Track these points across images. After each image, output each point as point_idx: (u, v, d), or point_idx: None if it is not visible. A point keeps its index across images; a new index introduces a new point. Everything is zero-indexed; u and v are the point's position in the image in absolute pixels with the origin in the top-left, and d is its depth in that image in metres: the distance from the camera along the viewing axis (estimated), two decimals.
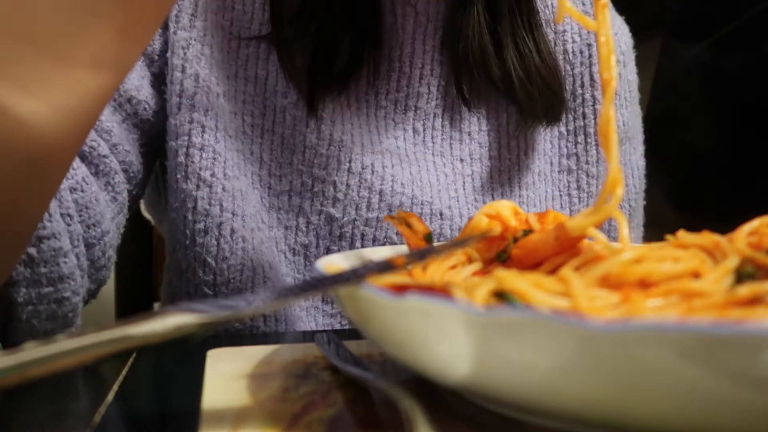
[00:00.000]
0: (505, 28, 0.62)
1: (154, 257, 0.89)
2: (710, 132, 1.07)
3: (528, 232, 0.39)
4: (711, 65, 1.06)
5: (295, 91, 0.60)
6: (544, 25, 0.65)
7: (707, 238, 0.34)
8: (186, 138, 0.57)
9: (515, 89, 0.62)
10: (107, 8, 0.32)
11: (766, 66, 1.00)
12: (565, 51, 0.68)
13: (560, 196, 0.68)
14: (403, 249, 0.45)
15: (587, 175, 0.68)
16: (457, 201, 0.63)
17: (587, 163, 0.68)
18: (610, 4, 0.71)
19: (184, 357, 0.42)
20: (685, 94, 1.10)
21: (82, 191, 0.50)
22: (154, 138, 0.59)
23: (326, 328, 0.61)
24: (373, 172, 0.61)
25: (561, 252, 0.36)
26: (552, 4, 0.68)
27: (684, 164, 1.06)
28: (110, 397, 0.35)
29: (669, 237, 0.36)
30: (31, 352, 0.25)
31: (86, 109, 0.34)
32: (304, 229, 0.61)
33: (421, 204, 0.61)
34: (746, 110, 1.03)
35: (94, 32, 0.32)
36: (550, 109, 0.64)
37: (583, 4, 0.70)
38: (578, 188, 0.68)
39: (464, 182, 0.64)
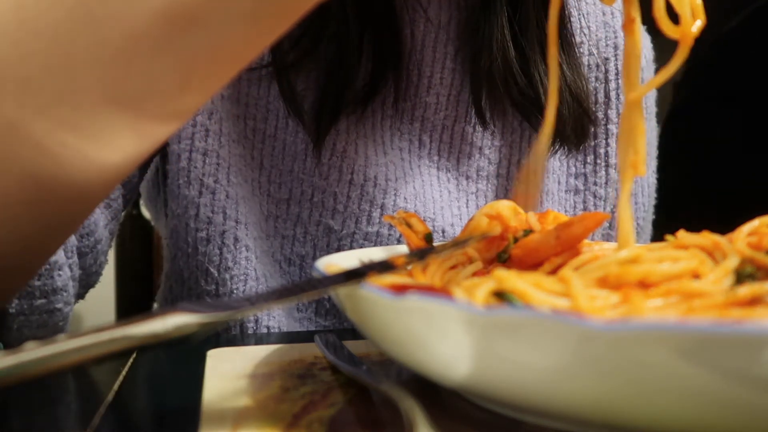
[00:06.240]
0: (532, 41, 0.58)
1: (154, 257, 0.89)
2: (714, 130, 1.07)
3: (528, 232, 0.39)
4: (717, 63, 1.06)
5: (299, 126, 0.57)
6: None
7: (707, 238, 0.34)
8: (189, 141, 0.55)
9: (543, 108, 0.58)
10: (183, 64, 0.31)
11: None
12: (581, 64, 0.64)
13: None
14: (403, 249, 0.45)
15: (594, 197, 0.65)
16: (460, 219, 0.61)
17: (595, 184, 0.65)
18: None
19: (184, 357, 0.42)
20: (689, 92, 1.10)
21: None
22: None
23: None
24: (375, 185, 0.58)
25: (561, 252, 0.36)
26: (579, 10, 0.64)
27: (685, 162, 1.06)
28: (110, 397, 0.35)
29: (669, 237, 0.36)
30: (31, 352, 0.25)
31: (148, 155, 0.33)
32: (302, 239, 0.59)
33: (424, 220, 0.58)
34: (747, 109, 1.03)
35: (168, 87, 0.31)
36: (580, 128, 0.60)
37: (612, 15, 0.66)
38: (584, 209, 0.65)
39: (468, 200, 0.62)
